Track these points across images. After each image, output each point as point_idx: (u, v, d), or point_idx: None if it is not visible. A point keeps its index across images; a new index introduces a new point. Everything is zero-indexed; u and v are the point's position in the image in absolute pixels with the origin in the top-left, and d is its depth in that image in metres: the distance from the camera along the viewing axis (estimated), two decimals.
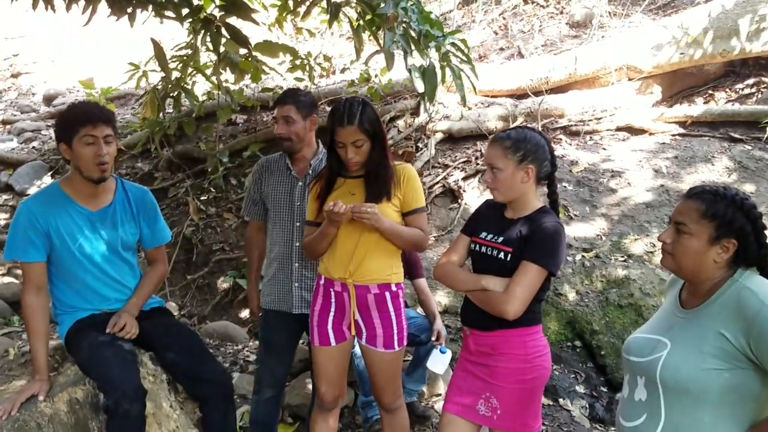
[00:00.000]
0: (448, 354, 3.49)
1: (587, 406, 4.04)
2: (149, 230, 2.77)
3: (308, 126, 2.98)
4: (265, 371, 3.05)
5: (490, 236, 2.33)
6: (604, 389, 4.21)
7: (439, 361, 3.47)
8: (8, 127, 7.96)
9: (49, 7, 3.47)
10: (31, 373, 2.50)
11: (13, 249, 2.50)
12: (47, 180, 6.60)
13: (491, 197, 2.41)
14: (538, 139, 2.30)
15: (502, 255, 2.26)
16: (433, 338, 3.48)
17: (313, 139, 3.07)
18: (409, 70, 3.01)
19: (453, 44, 3.18)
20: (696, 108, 5.88)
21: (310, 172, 2.99)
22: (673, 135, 5.74)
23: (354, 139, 2.48)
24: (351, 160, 2.52)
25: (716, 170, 5.24)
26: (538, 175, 2.29)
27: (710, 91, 6.24)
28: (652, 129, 5.80)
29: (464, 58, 3.19)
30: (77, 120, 2.44)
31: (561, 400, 4.04)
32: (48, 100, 8.66)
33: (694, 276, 1.74)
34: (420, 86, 2.99)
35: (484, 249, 2.34)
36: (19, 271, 5.45)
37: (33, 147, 7.36)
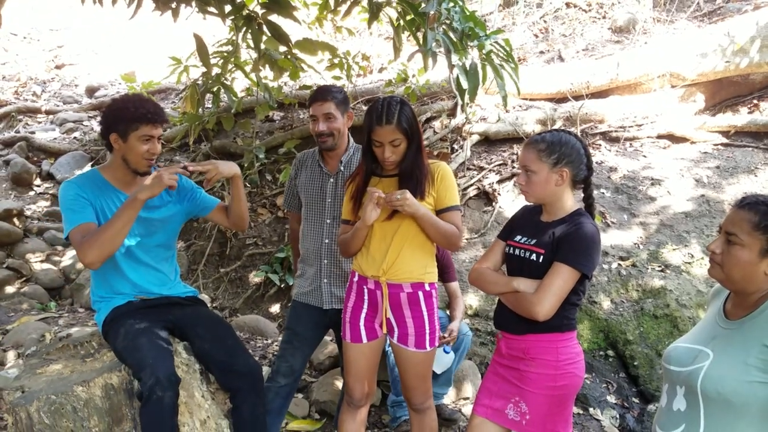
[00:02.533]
0: (451, 356, 3.47)
1: (618, 416, 3.98)
2: (193, 201, 2.85)
3: (346, 122, 3.00)
4: (283, 360, 3.08)
5: (524, 239, 2.33)
6: (636, 400, 4.14)
7: (439, 361, 3.44)
8: (51, 117, 8.14)
9: (97, 1, 3.55)
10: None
11: (73, 219, 2.48)
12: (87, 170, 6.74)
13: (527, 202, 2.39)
14: (574, 142, 2.28)
15: (534, 257, 2.25)
16: (445, 334, 3.45)
17: (347, 135, 3.08)
18: (452, 68, 3.00)
19: (496, 44, 3.16)
20: (740, 118, 5.74)
21: (342, 168, 3.01)
22: (716, 144, 5.62)
23: (392, 138, 2.48)
24: (388, 159, 2.52)
25: (759, 182, 5.11)
26: (573, 178, 2.27)
27: (755, 101, 6.09)
28: (694, 138, 5.69)
29: (507, 57, 3.17)
30: (141, 118, 2.51)
31: (591, 409, 3.98)
32: (90, 91, 8.85)
33: (743, 287, 1.70)
34: (463, 83, 2.98)
35: (518, 251, 2.33)
36: (56, 258, 5.57)
37: (74, 137, 7.52)
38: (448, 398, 3.84)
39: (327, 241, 3.01)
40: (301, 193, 3.13)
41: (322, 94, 2.97)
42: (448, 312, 3.72)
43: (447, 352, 3.46)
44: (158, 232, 2.74)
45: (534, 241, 2.28)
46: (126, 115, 2.52)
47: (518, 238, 2.36)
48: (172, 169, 2.47)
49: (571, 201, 2.32)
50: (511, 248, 2.37)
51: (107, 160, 2.70)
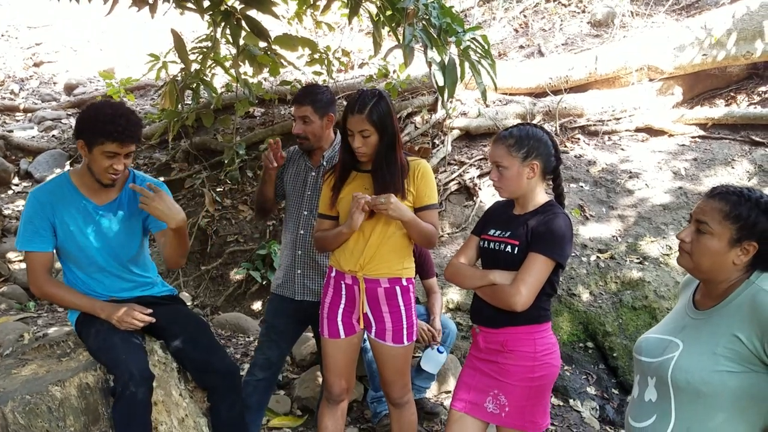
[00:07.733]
0: (444, 354, 3.49)
1: (598, 407, 4.02)
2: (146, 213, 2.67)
3: (325, 124, 3.00)
4: (260, 352, 3.09)
5: (498, 232, 2.36)
6: (616, 391, 4.18)
7: (432, 361, 3.46)
8: (29, 115, 8.04)
9: None
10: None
11: (21, 239, 2.54)
12: (67, 168, 6.66)
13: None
14: (541, 134, 2.33)
15: (509, 248, 2.28)
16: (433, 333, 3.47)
17: (330, 134, 3.08)
18: (429, 64, 3.01)
19: (473, 40, 3.17)
20: (717, 110, 5.81)
21: (324, 163, 3.02)
22: (693, 137, 5.68)
23: (361, 128, 2.48)
24: (358, 150, 2.53)
25: (736, 173, 5.17)
26: (543, 169, 2.31)
27: (732, 94, 6.16)
28: (671, 130, 5.74)
29: (484, 53, 3.18)
30: (108, 134, 2.38)
31: (571, 400, 4.02)
32: (69, 89, 8.74)
33: (711, 277, 1.72)
34: (440, 80, 2.98)
35: (492, 245, 2.35)
36: None
37: (53, 135, 7.44)
38: (430, 392, 3.86)
39: (302, 232, 3.02)
40: (286, 187, 3.14)
41: (302, 97, 2.98)
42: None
43: (441, 352, 3.48)
44: (120, 235, 2.64)
45: (508, 234, 2.31)
46: (95, 127, 2.39)
47: (492, 231, 2.38)
48: (135, 320, 2.51)
49: (542, 193, 2.37)
50: (485, 242, 2.39)
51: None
